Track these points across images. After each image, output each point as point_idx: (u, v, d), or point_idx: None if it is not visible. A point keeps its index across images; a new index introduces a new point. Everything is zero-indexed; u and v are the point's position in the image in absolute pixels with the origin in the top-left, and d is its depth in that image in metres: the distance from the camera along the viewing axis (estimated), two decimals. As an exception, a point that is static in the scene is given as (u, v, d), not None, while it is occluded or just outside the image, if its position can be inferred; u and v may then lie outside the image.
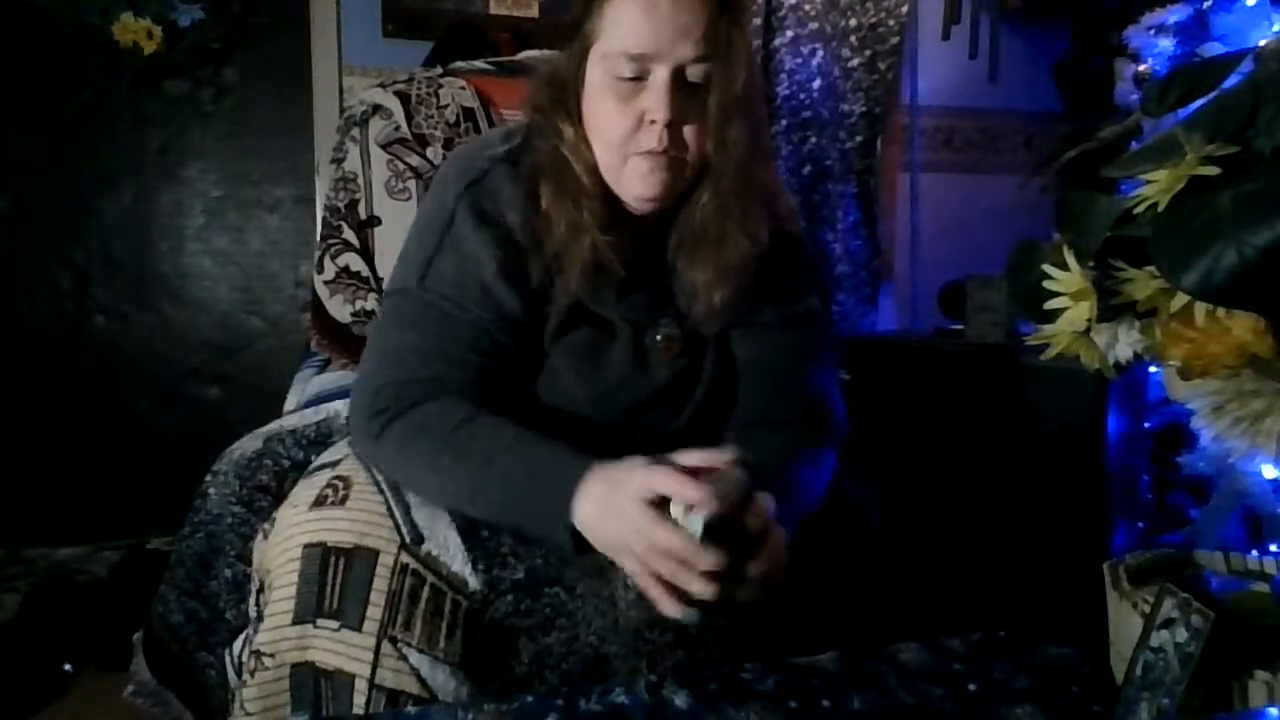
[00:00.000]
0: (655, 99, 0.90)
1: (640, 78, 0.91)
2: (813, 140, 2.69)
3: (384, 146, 1.35)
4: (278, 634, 0.87)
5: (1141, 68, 1.53)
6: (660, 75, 0.90)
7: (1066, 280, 0.74)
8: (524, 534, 0.92)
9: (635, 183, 0.94)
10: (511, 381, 1.00)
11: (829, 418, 1.10)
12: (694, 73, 0.91)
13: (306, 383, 1.32)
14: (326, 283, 1.36)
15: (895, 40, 2.73)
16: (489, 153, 1.00)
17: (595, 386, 1.02)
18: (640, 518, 0.80)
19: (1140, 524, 1.60)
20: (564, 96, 0.97)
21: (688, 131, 0.93)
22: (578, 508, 0.85)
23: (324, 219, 1.39)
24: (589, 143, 0.96)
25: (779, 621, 0.96)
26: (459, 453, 0.91)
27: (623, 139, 0.93)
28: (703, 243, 0.99)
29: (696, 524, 0.78)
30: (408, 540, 0.90)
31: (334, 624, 0.86)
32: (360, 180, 1.35)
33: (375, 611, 0.86)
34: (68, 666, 1.82)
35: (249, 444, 1.15)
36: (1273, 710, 0.66)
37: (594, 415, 1.03)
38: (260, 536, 0.97)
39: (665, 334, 1.04)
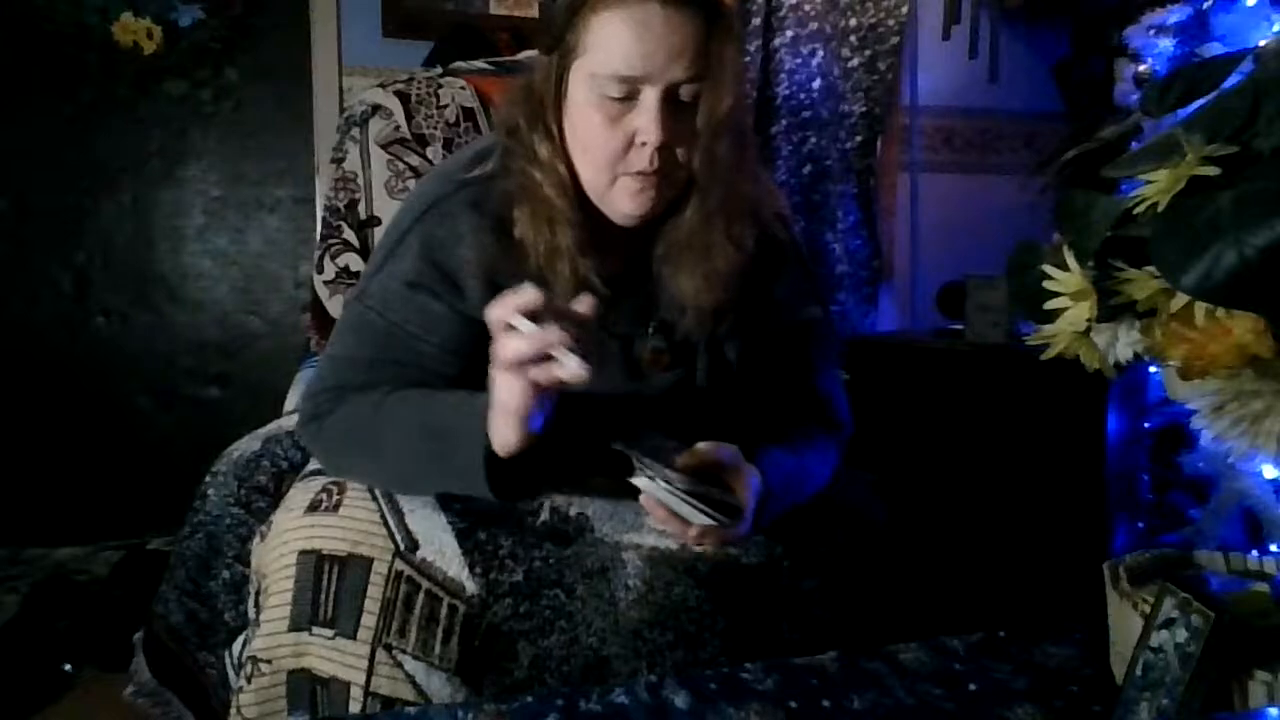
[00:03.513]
0: (647, 120, 0.88)
1: (630, 97, 0.88)
2: (813, 140, 2.69)
3: (384, 146, 1.35)
4: (274, 640, 0.88)
5: (1141, 68, 1.52)
6: (651, 96, 0.88)
7: (1066, 280, 0.74)
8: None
9: (624, 201, 0.93)
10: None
11: (833, 416, 1.11)
12: (685, 92, 0.89)
13: (306, 383, 1.32)
14: (326, 283, 1.36)
15: (895, 40, 2.72)
16: (457, 177, 0.98)
17: (590, 402, 1.02)
18: (496, 366, 0.82)
19: (1140, 524, 1.60)
20: (541, 111, 0.94)
21: (678, 150, 0.91)
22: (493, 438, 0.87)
23: (324, 219, 1.39)
24: (567, 159, 0.94)
25: (779, 621, 0.96)
26: (371, 448, 0.94)
27: (611, 159, 0.91)
28: (689, 252, 0.97)
29: (525, 323, 0.79)
30: (402, 547, 0.90)
31: (329, 632, 0.86)
32: (360, 180, 1.35)
33: (369, 619, 0.87)
34: (68, 666, 1.82)
35: (248, 444, 1.15)
36: (1273, 710, 0.66)
37: (589, 428, 1.02)
38: (258, 539, 0.97)
39: (654, 346, 1.03)
